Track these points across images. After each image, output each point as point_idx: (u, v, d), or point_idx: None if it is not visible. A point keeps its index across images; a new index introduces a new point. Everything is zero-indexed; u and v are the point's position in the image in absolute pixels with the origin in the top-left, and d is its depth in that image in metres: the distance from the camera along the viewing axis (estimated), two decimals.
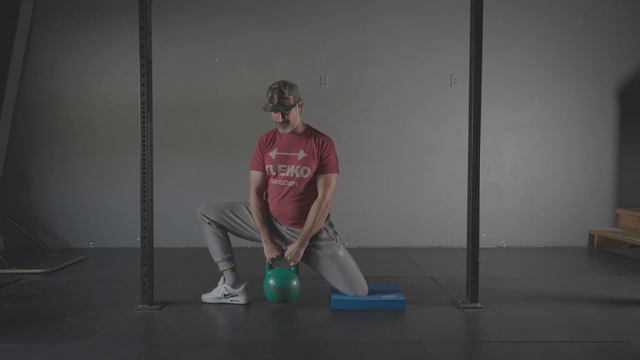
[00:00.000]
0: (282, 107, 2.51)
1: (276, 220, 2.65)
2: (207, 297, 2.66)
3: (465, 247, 2.63)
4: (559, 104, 4.28)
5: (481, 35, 2.50)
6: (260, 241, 2.65)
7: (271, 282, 2.51)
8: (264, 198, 2.68)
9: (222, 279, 2.66)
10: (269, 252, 2.57)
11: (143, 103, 2.49)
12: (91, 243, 4.24)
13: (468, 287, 2.59)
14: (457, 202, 4.13)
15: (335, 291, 2.65)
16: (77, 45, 4.20)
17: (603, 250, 4.15)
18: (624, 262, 3.70)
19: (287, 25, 4.23)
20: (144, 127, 2.49)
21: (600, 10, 4.25)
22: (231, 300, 2.62)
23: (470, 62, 2.53)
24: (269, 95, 2.55)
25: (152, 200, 2.53)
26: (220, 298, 2.62)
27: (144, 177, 2.50)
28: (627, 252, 4.05)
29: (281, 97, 2.52)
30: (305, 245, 2.55)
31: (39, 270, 3.28)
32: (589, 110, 4.28)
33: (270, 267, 2.60)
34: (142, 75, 2.48)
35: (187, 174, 4.24)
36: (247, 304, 2.61)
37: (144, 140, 2.50)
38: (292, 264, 2.56)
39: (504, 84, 4.25)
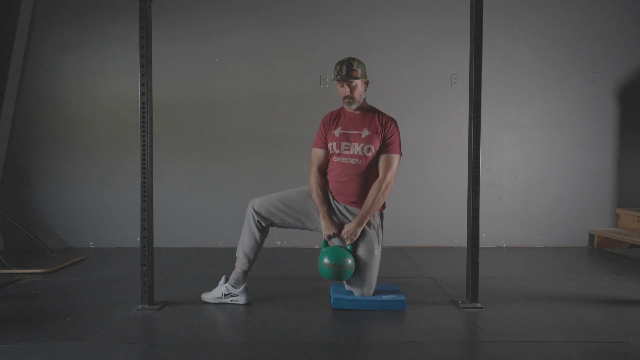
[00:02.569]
0: (350, 77, 2.56)
1: (333, 198, 2.65)
2: (207, 297, 2.66)
3: (465, 247, 2.63)
4: (559, 104, 4.28)
5: (481, 35, 2.50)
6: (309, 229, 2.69)
7: (326, 259, 2.51)
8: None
9: (223, 278, 2.66)
10: (327, 229, 2.57)
11: (143, 103, 2.49)
12: (91, 243, 4.24)
13: (468, 287, 2.59)
14: (457, 202, 4.13)
15: (337, 290, 2.66)
16: (77, 45, 4.20)
17: (603, 250, 4.14)
18: (624, 262, 3.70)
19: (287, 25, 4.23)
20: (144, 127, 2.49)
21: (600, 10, 4.26)
22: (231, 300, 2.62)
23: (470, 62, 2.53)
24: (337, 68, 2.59)
25: (152, 200, 2.53)
26: (221, 298, 2.62)
27: (144, 177, 2.50)
28: (627, 252, 4.05)
29: (350, 68, 2.57)
30: (363, 225, 2.56)
31: (39, 270, 3.28)
32: (589, 110, 4.28)
33: (326, 244, 2.61)
34: (142, 75, 2.48)
35: (187, 174, 4.24)
36: (247, 304, 2.61)
37: (144, 140, 2.50)
38: (348, 242, 2.56)
39: (504, 84, 4.25)
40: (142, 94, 2.48)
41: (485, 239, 4.24)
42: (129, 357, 1.95)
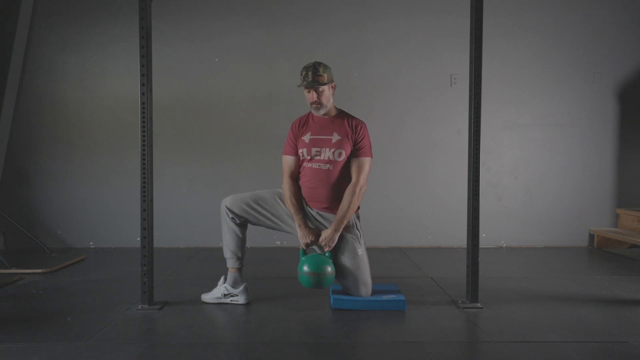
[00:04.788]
0: (317, 83, 2.53)
1: (307, 204, 2.65)
2: (207, 297, 2.66)
3: (465, 247, 2.63)
4: (559, 104, 4.28)
5: (481, 35, 2.50)
6: (283, 231, 2.68)
7: (305, 268, 2.49)
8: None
9: (222, 278, 2.66)
10: (304, 237, 2.55)
11: (143, 103, 2.49)
12: (91, 243, 4.24)
13: (468, 287, 2.59)
14: (457, 202, 4.13)
15: (336, 290, 2.65)
16: (77, 45, 4.20)
17: (603, 250, 4.14)
18: (624, 262, 3.70)
19: (287, 25, 4.23)
20: (144, 127, 2.49)
21: (600, 10, 4.25)
22: (231, 300, 2.62)
23: (470, 62, 2.53)
24: (303, 73, 2.57)
25: (152, 200, 2.53)
26: (220, 298, 2.62)
27: (144, 177, 2.50)
28: (627, 252, 4.05)
29: (315, 74, 2.54)
30: (340, 231, 2.54)
31: (39, 270, 3.28)
32: (589, 110, 4.28)
33: (305, 253, 2.59)
34: (142, 75, 2.48)
35: (187, 174, 4.24)
36: (247, 304, 2.61)
37: (144, 140, 2.50)
38: (326, 249, 2.55)
39: (504, 84, 4.25)
40: (142, 94, 2.48)
41: (485, 239, 4.24)
42: (129, 357, 1.95)
